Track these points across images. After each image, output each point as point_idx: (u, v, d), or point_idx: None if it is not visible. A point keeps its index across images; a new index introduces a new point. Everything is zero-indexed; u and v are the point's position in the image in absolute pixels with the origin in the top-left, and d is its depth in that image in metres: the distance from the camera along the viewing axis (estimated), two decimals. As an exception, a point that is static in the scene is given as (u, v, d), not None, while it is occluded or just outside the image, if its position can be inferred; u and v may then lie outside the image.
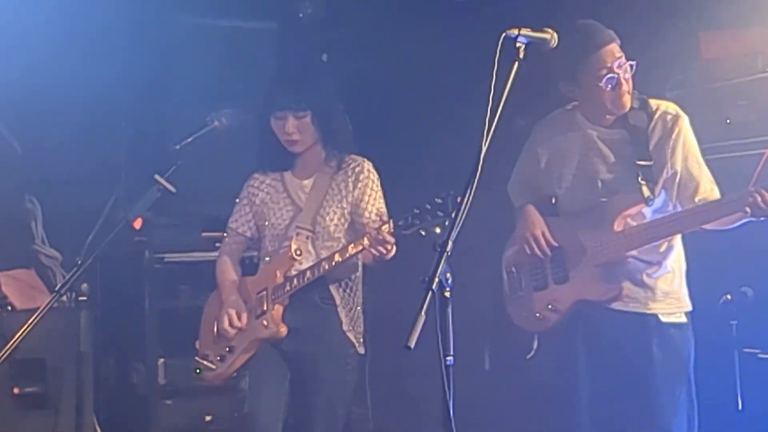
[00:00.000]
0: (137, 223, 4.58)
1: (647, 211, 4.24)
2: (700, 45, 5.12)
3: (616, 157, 4.27)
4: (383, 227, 4.21)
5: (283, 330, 4.50)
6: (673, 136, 4.22)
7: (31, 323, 4.31)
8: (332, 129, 4.60)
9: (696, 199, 4.21)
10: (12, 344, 4.32)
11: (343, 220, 4.57)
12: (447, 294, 3.23)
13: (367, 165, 4.64)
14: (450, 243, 3.23)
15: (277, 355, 4.57)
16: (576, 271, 4.32)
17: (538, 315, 4.39)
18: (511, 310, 4.54)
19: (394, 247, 4.31)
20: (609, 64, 4.13)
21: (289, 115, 4.52)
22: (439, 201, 3.97)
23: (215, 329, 4.69)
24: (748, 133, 4.97)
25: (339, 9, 5.92)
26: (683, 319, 4.29)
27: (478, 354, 5.69)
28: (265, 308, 4.54)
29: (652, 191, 4.19)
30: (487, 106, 3.32)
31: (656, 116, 4.24)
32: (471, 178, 3.29)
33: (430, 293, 3.17)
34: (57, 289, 4.48)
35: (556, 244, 4.38)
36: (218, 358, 4.66)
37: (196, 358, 4.76)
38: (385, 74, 5.71)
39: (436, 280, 3.19)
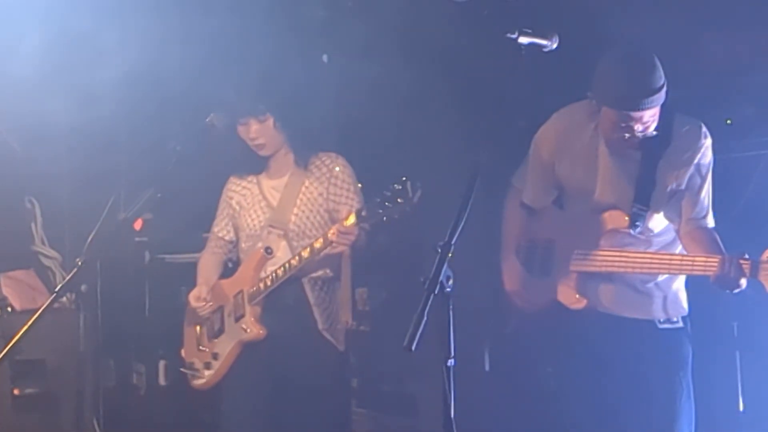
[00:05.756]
0: (137, 224, 4.58)
1: (650, 229, 4.23)
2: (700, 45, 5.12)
3: (619, 173, 4.22)
4: (346, 219, 4.24)
5: (262, 332, 4.53)
6: (688, 155, 4.15)
7: (30, 324, 4.31)
8: (297, 130, 4.62)
9: (689, 218, 4.18)
10: (11, 345, 4.32)
11: (318, 218, 4.60)
12: (447, 295, 3.23)
13: (341, 161, 4.67)
14: (451, 245, 3.23)
15: (255, 360, 4.57)
16: (558, 270, 4.32)
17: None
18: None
19: (362, 236, 4.35)
20: (632, 125, 4.04)
21: (251, 120, 4.57)
22: (398, 187, 4.01)
23: (197, 334, 4.72)
24: (748, 133, 4.97)
25: (339, 9, 5.91)
26: (680, 324, 4.29)
27: (479, 355, 5.67)
28: (243, 311, 4.56)
29: (640, 217, 4.17)
30: (489, 106, 3.32)
31: (678, 136, 4.16)
32: (472, 180, 3.29)
33: (430, 295, 3.17)
34: (56, 289, 4.47)
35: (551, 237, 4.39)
36: (205, 365, 4.69)
37: (183, 369, 4.80)
38: (385, 75, 5.70)
39: (437, 281, 3.18)
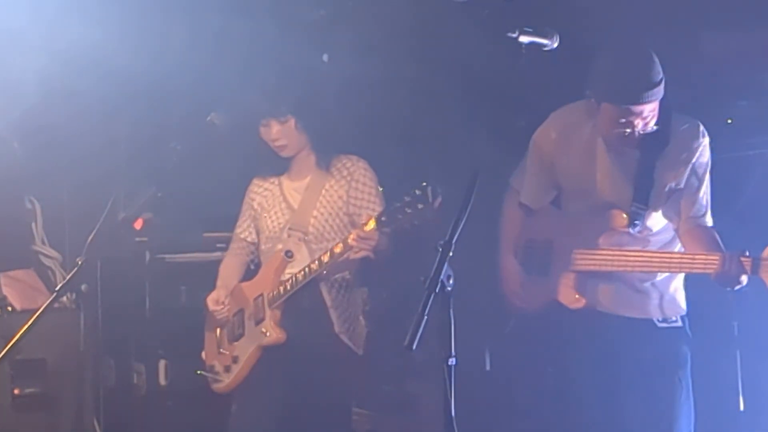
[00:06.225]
0: (138, 224, 4.58)
1: (648, 228, 4.22)
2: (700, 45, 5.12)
3: (618, 172, 4.23)
4: (366, 225, 4.23)
5: (282, 336, 4.53)
6: (686, 154, 4.16)
7: (30, 324, 4.30)
8: (319, 132, 4.61)
9: (687, 217, 4.18)
10: (11, 345, 4.31)
11: (338, 221, 4.59)
12: (448, 295, 3.23)
13: (362, 164, 4.66)
14: (452, 244, 3.23)
15: (272, 364, 4.57)
16: (557, 269, 4.32)
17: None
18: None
19: (383, 241, 4.32)
20: (633, 120, 4.04)
21: (272, 122, 4.56)
22: (418, 192, 3.99)
23: (217, 337, 4.71)
24: (748, 133, 4.96)
25: (339, 9, 5.91)
26: (678, 323, 4.29)
27: (479, 355, 5.67)
28: (263, 315, 4.55)
29: (639, 216, 4.17)
30: (489, 106, 3.32)
31: (676, 135, 4.17)
32: (472, 179, 3.29)
33: (431, 294, 3.17)
34: (57, 289, 4.47)
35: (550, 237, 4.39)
36: (225, 369, 4.69)
37: (202, 372, 4.80)
38: (386, 75, 5.70)
39: (438, 280, 3.18)
